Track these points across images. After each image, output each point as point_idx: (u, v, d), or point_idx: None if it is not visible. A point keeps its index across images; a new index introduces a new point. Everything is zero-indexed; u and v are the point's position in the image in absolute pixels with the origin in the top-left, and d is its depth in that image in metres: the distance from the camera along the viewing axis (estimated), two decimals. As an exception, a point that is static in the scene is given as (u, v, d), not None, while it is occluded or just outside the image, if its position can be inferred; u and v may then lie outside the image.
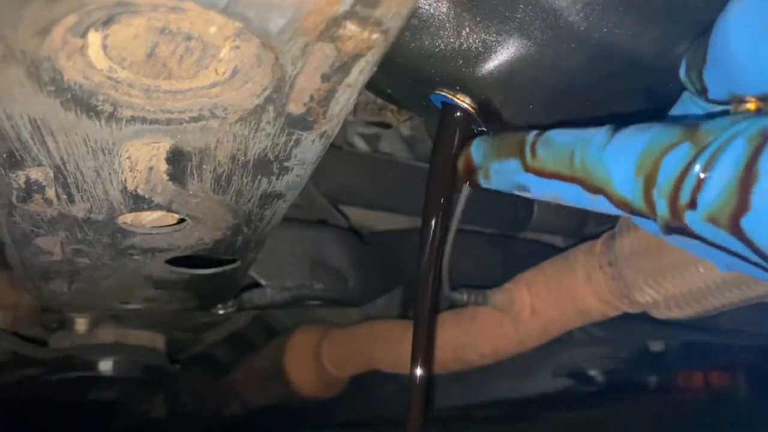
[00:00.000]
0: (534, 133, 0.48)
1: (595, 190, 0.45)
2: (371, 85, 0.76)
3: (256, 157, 0.44)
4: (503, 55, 0.48)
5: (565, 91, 0.51)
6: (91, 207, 0.48)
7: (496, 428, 1.82)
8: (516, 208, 1.28)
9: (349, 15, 0.32)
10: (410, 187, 1.08)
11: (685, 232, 0.41)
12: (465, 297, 1.02)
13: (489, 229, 1.28)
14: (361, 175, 1.09)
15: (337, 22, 0.32)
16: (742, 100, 0.43)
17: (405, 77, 0.54)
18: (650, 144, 0.41)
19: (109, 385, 1.44)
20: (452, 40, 0.48)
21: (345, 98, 0.38)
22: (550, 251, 1.04)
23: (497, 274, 1.03)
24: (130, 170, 0.44)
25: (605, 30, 0.45)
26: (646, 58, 0.49)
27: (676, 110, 0.51)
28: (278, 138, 0.41)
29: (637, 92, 0.53)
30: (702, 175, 0.38)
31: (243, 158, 0.44)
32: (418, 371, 0.61)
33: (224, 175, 0.46)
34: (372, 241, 1.03)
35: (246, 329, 1.56)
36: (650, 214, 0.43)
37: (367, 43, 0.34)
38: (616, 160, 0.43)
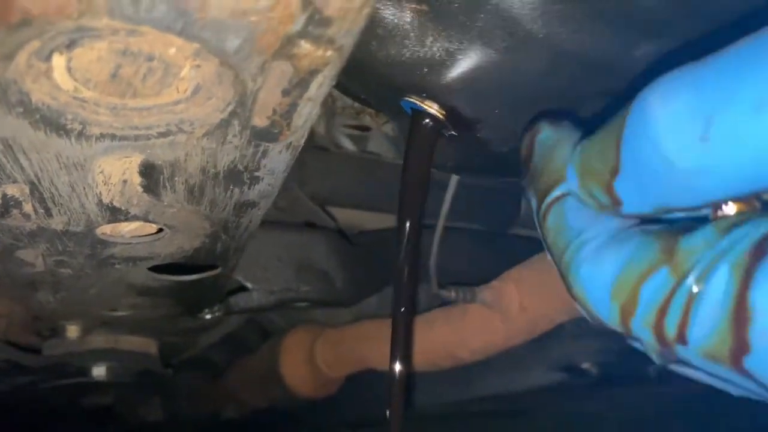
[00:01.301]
0: (560, 190, 0.45)
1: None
2: (347, 90, 0.78)
3: (225, 168, 0.45)
4: (466, 62, 0.49)
5: (529, 95, 0.52)
6: (69, 220, 0.50)
7: (492, 423, 1.83)
8: (504, 205, 1.29)
9: (303, 34, 0.33)
10: (397, 187, 1.09)
11: (684, 363, 0.37)
12: (453, 294, 1.04)
13: (477, 226, 1.29)
14: (347, 176, 1.10)
15: (291, 41, 0.33)
16: (718, 206, 0.36)
17: (375, 84, 0.56)
18: (626, 267, 0.38)
19: (104, 390, 1.46)
20: (417, 48, 0.49)
21: (307, 111, 0.40)
22: (538, 247, 1.05)
23: (487, 271, 1.04)
24: (104, 184, 0.45)
25: (564, 36, 0.47)
26: (607, 60, 0.50)
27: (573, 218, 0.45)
28: (246, 150, 0.43)
29: (601, 93, 0.54)
30: (686, 310, 0.34)
31: (213, 170, 0.45)
32: (397, 367, 0.62)
33: (197, 186, 0.47)
34: (359, 241, 1.05)
35: (240, 331, 1.57)
36: (631, 338, 0.39)
37: (322, 59, 0.35)
38: (589, 279, 0.40)
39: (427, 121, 0.54)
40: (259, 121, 0.40)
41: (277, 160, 0.45)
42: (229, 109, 0.38)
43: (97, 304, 0.71)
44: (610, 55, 0.50)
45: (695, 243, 0.35)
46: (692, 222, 0.37)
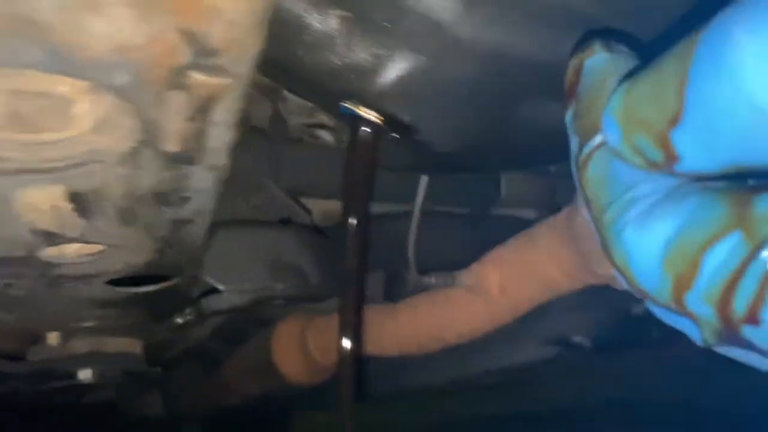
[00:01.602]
0: (598, 139, 0.38)
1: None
2: (294, 91, 0.77)
3: (150, 191, 0.44)
4: (395, 68, 0.48)
5: (466, 96, 0.51)
6: (8, 247, 0.50)
7: (489, 395, 1.85)
8: (482, 185, 1.28)
9: (192, 66, 0.32)
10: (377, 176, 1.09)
11: (745, 345, 0.32)
12: (433, 280, 1.04)
13: (458, 208, 1.28)
14: (324, 168, 1.09)
15: (181, 72, 0.33)
16: None
17: (312, 90, 0.55)
18: (685, 231, 0.31)
19: (103, 387, 1.47)
20: (345, 55, 0.49)
21: (218, 134, 0.39)
22: (521, 225, 1.05)
23: (469, 254, 1.04)
24: (34, 212, 0.45)
25: (492, 38, 0.46)
26: (542, 59, 0.49)
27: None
28: (165, 173, 0.42)
29: (545, 91, 0.53)
30: (763, 285, 0.28)
31: (138, 193, 0.44)
32: (346, 343, 0.63)
33: (126, 208, 0.47)
34: (334, 234, 1.04)
35: (236, 321, 1.58)
36: (682, 313, 0.34)
37: (219, 87, 0.34)
38: (636, 244, 0.33)
39: (366, 126, 0.53)
40: (171, 146, 0.39)
41: (202, 180, 0.45)
42: (137, 137, 0.38)
43: (61, 318, 0.71)
44: (543, 54, 0.48)
45: None
46: (765, 178, 0.31)
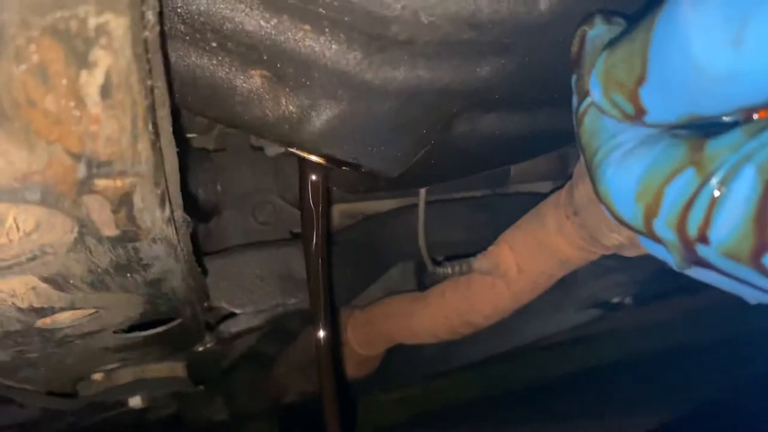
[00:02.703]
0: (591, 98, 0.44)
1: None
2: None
3: (110, 267, 0.49)
4: (321, 115, 0.51)
5: (394, 128, 0.53)
6: (3, 324, 0.55)
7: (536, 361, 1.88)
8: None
9: (92, 176, 0.36)
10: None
11: (704, 264, 0.38)
12: (449, 270, 1.06)
13: (470, 192, 1.29)
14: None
15: (85, 183, 0.36)
16: (749, 113, 0.36)
17: (261, 138, 0.58)
18: (651, 169, 0.38)
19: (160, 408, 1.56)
20: (275, 109, 0.51)
21: (149, 215, 0.43)
22: (536, 200, 1.05)
23: (487, 235, 1.05)
24: (13, 296, 0.50)
25: (400, 77, 0.48)
26: (458, 83, 0.50)
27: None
28: (116, 251, 0.46)
29: (472, 106, 0.55)
30: (709, 210, 0.35)
31: (100, 270, 0.49)
32: (321, 333, 0.67)
33: (96, 281, 0.51)
34: (341, 239, 1.07)
35: (283, 322, 1.63)
36: (654, 239, 0.40)
37: (126, 186, 0.38)
38: (615, 181, 0.41)
39: (312, 167, 0.56)
40: (110, 232, 0.43)
41: (156, 249, 0.48)
42: (75, 230, 0.42)
43: (83, 367, 0.77)
44: (461, 78, 0.50)
45: (722, 145, 0.35)
46: (721, 127, 0.37)
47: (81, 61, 0.29)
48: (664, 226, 0.38)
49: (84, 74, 0.29)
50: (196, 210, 0.96)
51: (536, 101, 0.57)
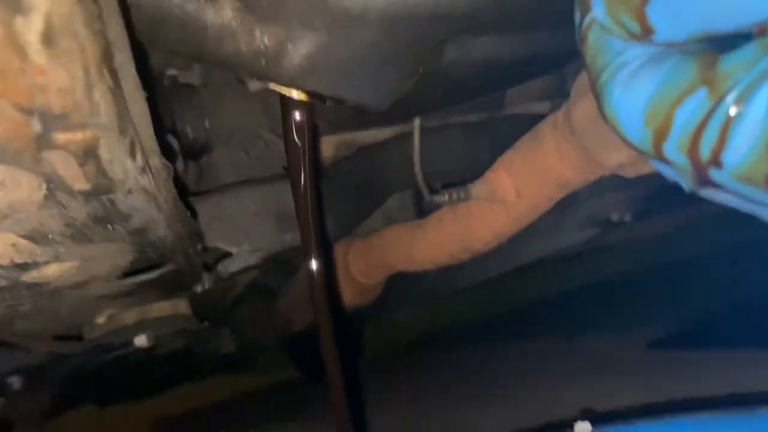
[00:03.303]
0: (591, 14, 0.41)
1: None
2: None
3: (88, 219, 0.47)
4: (299, 48, 0.47)
5: (379, 60, 0.50)
6: (-10, 281, 0.53)
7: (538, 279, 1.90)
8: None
9: (50, 129, 0.33)
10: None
11: (716, 186, 0.37)
12: (446, 197, 1.04)
13: (466, 117, 1.26)
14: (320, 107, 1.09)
15: (44, 137, 0.34)
16: (764, 29, 0.33)
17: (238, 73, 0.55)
18: (661, 90, 0.36)
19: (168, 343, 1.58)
20: (249, 42, 0.48)
21: (120, 166, 0.40)
22: (534, 122, 1.03)
23: (485, 160, 1.03)
24: (-5, 254, 0.48)
25: (382, 3, 0.44)
26: (445, 7, 0.47)
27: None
28: (91, 204, 0.44)
29: (463, 29, 0.51)
30: (723, 132, 0.33)
31: (77, 223, 0.47)
32: (314, 266, 0.71)
33: (76, 234, 0.49)
34: (336, 173, 1.05)
35: (285, 255, 1.63)
36: (664, 162, 0.38)
37: (89, 138, 0.35)
38: (622, 103, 0.39)
39: (294, 104, 0.53)
40: (81, 186, 0.41)
41: (133, 200, 0.46)
42: (44, 187, 0.40)
43: (80, 315, 0.76)
44: (445, 2, 0.46)
45: (736, 62, 0.33)
46: (732, 40, 0.35)
47: (14, 5, 0.26)
48: (674, 150, 0.36)
49: (20, 20, 0.26)
50: (186, 148, 0.93)
51: (531, 23, 0.53)
